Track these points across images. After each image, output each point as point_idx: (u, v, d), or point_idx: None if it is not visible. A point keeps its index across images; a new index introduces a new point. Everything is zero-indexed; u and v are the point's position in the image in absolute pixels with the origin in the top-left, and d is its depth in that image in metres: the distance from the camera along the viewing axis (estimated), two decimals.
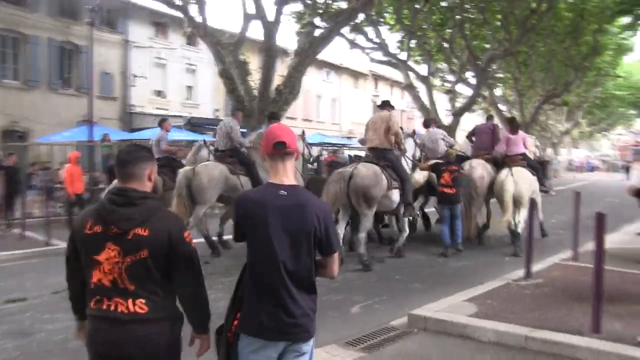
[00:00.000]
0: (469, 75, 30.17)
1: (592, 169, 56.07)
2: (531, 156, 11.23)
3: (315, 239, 2.63)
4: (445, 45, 26.61)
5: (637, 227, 12.07)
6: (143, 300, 2.49)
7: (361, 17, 22.26)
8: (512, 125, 11.06)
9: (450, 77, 30.72)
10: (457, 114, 26.15)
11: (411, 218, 10.40)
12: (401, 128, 9.69)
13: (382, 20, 25.98)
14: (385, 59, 26.77)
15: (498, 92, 35.77)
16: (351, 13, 17.78)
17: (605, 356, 4.50)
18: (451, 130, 25.92)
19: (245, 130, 15.23)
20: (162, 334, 2.52)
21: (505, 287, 6.82)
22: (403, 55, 26.63)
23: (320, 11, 18.78)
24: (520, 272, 7.42)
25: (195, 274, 2.62)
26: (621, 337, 4.79)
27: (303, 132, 10.96)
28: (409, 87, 26.47)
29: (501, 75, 32.13)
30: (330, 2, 19.67)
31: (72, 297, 2.76)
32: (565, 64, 32.04)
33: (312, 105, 39.53)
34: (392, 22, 26.50)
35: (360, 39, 26.08)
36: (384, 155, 8.98)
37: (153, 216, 2.53)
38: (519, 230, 9.59)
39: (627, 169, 43.23)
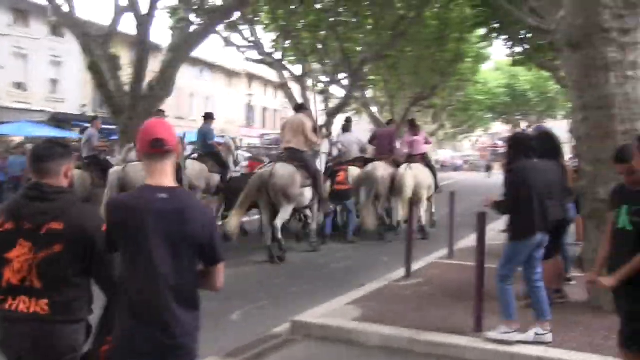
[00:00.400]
0: (342, 76, 30.81)
1: (456, 168, 59.27)
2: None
3: (199, 247, 2.36)
4: (319, 46, 26.88)
5: (499, 224, 12.58)
6: (46, 301, 2.41)
7: (237, 15, 21.86)
8: (413, 127, 11.94)
9: (324, 78, 31.13)
10: (331, 114, 26.50)
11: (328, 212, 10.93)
12: (321, 127, 11.00)
13: (257, 19, 25.72)
14: (260, 58, 26.52)
15: (369, 93, 36.76)
16: (227, 11, 17.34)
17: (490, 355, 4.55)
18: (326, 129, 26.34)
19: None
20: (60, 337, 2.43)
21: (386, 288, 6.84)
22: (278, 55, 26.54)
23: (195, 7, 18.17)
24: (400, 272, 7.52)
25: (112, 272, 2.49)
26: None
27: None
28: (283, 87, 26.44)
29: (372, 78, 32.98)
30: None
31: None
32: (431, 68, 33.58)
33: (185, 103, 38.44)
34: (267, 22, 26.35)
35: (235, 37, 25.68)
36: (298, 155, 9.51)
37: (68, 210, 2.47)
38: (424, 222, 10.89)
39: (487, 168, 46.54)
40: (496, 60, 50.75)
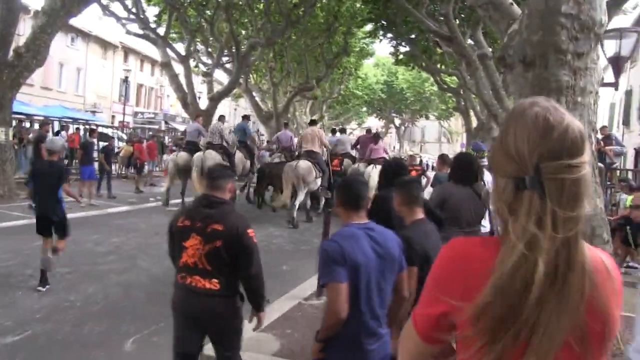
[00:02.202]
0: (226, 59, 29.57)
1: None
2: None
3: None
4: (206, 26, 25.49)
5: None
6: (216, 280, 3.36)
7: None
8: (375, 137, 15.61)
9: (208, 60, 29.72)
10: (214, 98, 25.25)
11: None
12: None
13: None
14: (141, 32, 24.61)
15: (252, 79, 35.75)
16: None
17: None
18: (208, 115, 25.06)
19: None
20: (226, 305, 3.42)
21: (298, 309, 6.12)
22: (161, 31, 24.77)
23: None
24: (305, 286, 6.93)
25: (253, 263, 3.40)
26: None
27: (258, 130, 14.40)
28: (166, 66, 24.70)
29: (257, 64, 32.04)
30: None
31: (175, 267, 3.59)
32: (317, 59, 33.33)
33: (54, 73, 35.15)
34: None
35: (116, 7, 23.64)
36: (313, 155, 13.51)
37: (227, 217, 3.40)
38: None
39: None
40: (377, 57, 51.69)
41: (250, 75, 32.80)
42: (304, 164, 13.00)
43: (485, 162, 7.17)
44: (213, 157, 13.01)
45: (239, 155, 14.92)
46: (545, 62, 4.90)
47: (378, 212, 3.86)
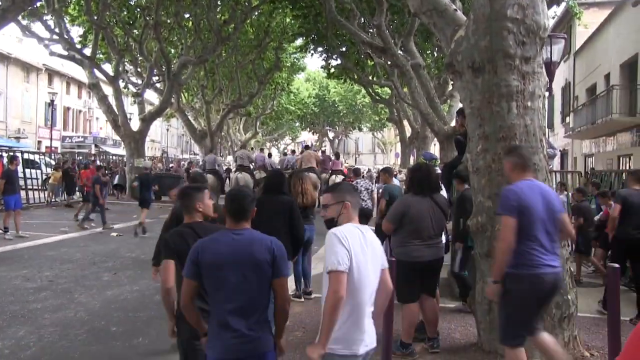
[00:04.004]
0: (156, 79, 28.79)
1: None
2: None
3: None
4: (134, 45, 24.69)
5: None
6: None
7: (39, 1, 19.18)
8: (336, 155, 21.45)
9: (137, 80, 28.77)
10: (146, 119, 24.47)
11: None
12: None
13: (64, 9, 22.88)
14: (66, 53, 23.59)
15: (184, 99, 34.95)
16: None
17: None
18: (141, 136, 24.26)
19: None
20: None
21: None
22: (87, 51, 23.78)
23: None
24: None
25: None
26: None
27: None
28: (94, 87, 23.71)
29: (188, 82, 31.36)
30: None
31: None
32: (249, 76, 33.00)
33: None
34: (74, 14, 23.60)
35: (38, 27, 22.58)
36: (313, 170, 16.46)
37: None
38: None
39: None
40: (308, 71, 51.82)
41: (182, 94, 32.15)
42: (312, 176, 16.35)
43: (438, 170, 7.08)
44: (244, 177, 18.12)
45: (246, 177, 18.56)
46: (495, 67, 4.79)
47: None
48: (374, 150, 75.59)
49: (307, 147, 21.03)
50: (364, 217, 10.91)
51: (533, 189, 3.99)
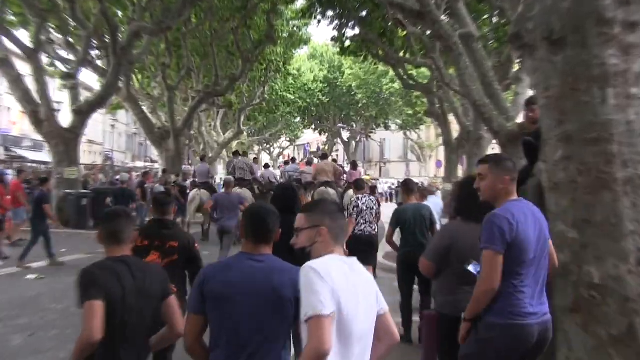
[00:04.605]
0: (97, 54, 28.93)
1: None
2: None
3: None
4: (64, 4, 24.41)
5: None
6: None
7: None
8: (354, 165, 23.48)
9: (69, 56, 28.85)
10: (82, 111, 24.40)
11: None
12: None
13: None
14: None
15: (136, 83, 35.13)
16: None
17: None
18: (75, 134, 24.27)
19: None
20: None
21: None
22: None
23: None
24: None
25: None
26: None
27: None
28: (3, 64, 23.50)
29: (143, 59, 31.45)
30: None
31: None
32: (229, 51, 33.14)
33: None
34: None
35: None
36: (330, 184, 19.87)
37: (180, 235, 6.00)
38: None
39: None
40: (313, 45, 52.16)
41: (134, 77, 32.36)
42: (331, 190, 19.51)
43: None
44: (244, 194, 18.48)
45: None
46: (583, 39, 4.76)
47: None
48: (406, 157, 75.55)
49: (324, 156, 23.16)
50: (368, 245, 11.22)
51: (526, 215, 4.34)
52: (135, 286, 3.79)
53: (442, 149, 39.34)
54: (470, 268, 4.82)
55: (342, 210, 4.25)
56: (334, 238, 3.24)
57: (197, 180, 22.13)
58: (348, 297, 2.98)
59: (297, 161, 27.57)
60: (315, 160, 25.98)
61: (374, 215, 11.47)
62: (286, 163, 25.84)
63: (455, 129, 29.76)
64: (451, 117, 29.28)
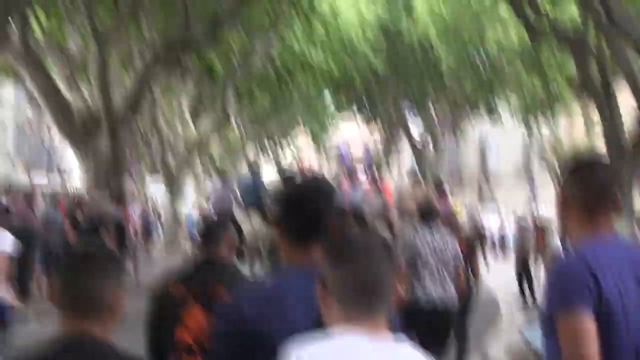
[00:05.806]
0: None
1: None
2: None
3: None
4: None
5: None
6: None
7: None
8: (438, 187, 24.43)
9: None
10: None
11: None
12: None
13: None
14: None
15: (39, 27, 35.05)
16: None
17: None
18: None
19: None
20: None
21: None
22: None
23: None
24: None
25: None
26: None
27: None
28: None
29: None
30: None
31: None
32: None
33: None
34: None
35: None
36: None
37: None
38: None
39: None
40: None
41: (35, 17, 32.24)
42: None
43: None
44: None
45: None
46: None
47: None
48: (528, 169, 74.10)
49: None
50: (435, 321, 11.80)
51: (616, 259, 4.42)
52: None
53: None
54: None
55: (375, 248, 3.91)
56: (344, 299, 3.22)
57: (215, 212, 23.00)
58: None
59: (360, 180, 27.84)
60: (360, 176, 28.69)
61: (454, 270, 11.87)
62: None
63: (627, 115, 28.97)
64: (623, 90, 28.58)
